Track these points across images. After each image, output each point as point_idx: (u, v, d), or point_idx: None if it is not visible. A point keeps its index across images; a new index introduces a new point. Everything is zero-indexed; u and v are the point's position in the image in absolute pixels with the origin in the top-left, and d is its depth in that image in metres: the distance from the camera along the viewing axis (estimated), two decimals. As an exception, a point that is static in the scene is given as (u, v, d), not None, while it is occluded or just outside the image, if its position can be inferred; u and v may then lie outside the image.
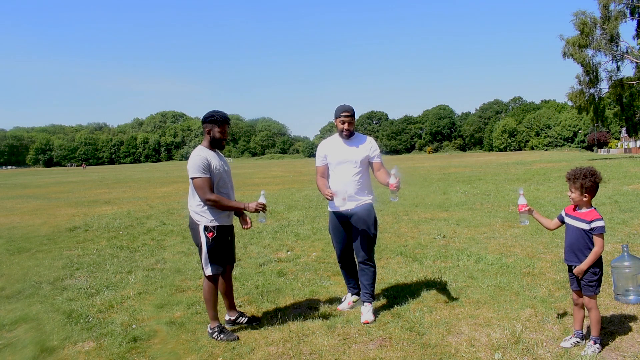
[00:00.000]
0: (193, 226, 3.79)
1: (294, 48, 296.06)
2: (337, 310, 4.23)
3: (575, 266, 3.27)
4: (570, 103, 45.16)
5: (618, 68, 34.96)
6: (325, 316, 4.07)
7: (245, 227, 4.05)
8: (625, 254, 4.13)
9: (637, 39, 34.98)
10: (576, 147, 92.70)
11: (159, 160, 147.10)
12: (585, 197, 3.23)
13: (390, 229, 8.10)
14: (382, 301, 4.43)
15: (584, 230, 3.22)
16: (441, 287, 4.70)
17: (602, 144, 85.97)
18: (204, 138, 3.87)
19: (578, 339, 3.29)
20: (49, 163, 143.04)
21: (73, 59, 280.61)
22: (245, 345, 3.55)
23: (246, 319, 4.02)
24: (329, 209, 4.28)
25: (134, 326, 4.04)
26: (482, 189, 14.52)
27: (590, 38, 33.69)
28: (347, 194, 3.98)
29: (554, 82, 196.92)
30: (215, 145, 3.85)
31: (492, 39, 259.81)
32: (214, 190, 3.73)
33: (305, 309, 4.29)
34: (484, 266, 5.38)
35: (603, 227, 3.18)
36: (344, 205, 4.00)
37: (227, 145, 4.06)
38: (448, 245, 6.66)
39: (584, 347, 3.21)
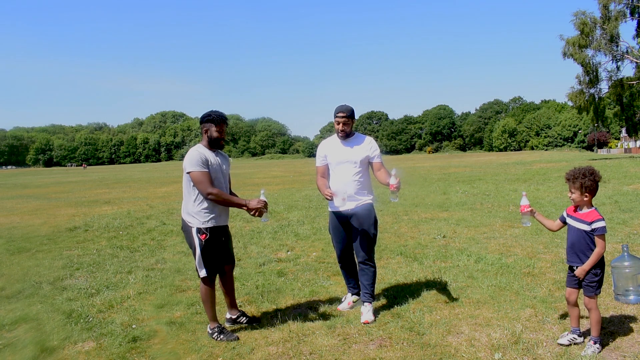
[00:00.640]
0: (186, 228, 3.78)
1: (294, 48, 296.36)
2: (337, 310, 4.23)
3: (577, 267, 3.26)
4: (570, 103, 45.18)
5: (618, 68, 35.00)
6: (325, 316, 4.07)
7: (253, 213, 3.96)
8: (625, 254, 4.13)
9: (637, 39, 35.01)
10: (576, 147, 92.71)
11: (159, 160, 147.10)
12: (586, 197, 3.23)
13: (390, 229, 8.10)
14: (382, 301, 4.43)
15: (585, 231, 3.21)
16: (441, 287, 4.70)
17: (602, 144, 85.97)
18: (202, 138, 3.88)
19: (575, 336, 3.30)
20: (49, 163, 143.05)
21: (73, 59, 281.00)
22: (245, 345, 3.55)
23: (247, 318, 4.02)
24: (329, 209, 4.28)
25: (134, 326, 4.04)
26: (482, 189, 14.51)
27: (590, 38, 33.69)
28: (347, 194, 3.98)
29: (554, 82, 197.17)
30: (214, 144, 3.84)
31: (492, 39, 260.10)
32: None
33: (305, 309, 4.29)
34: (484, 266, 5.38)
35: (604, 227, 3.17)
36: (344, 205, 4.00)
37: (226, 145, 4.06)
38: (448, 245, 6.66)
39: (584, 347, 3.21)
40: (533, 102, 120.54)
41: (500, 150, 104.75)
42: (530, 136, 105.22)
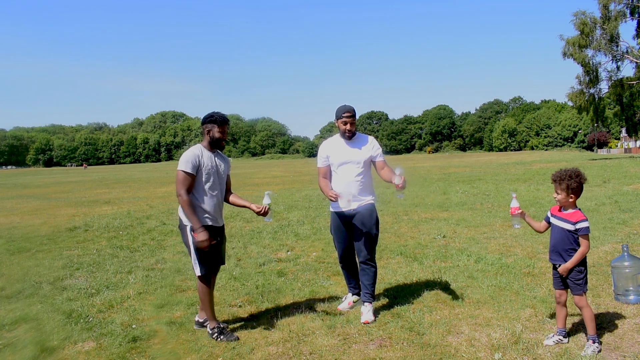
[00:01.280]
0: (181, 227, 3.80)
1: (294, 48, 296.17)
2: (337, 310, 4.23)
3: (559, 265, 3.31)
4: (570, 103, 45.18)
5: (618, 68, 35.01)
6: (325, 316, 4.07)
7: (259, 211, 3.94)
8: (625, 254, 4.13)
9: (637, 39, 35.01)
10: (576, 147, 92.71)
11: (159, 160, 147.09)
12: (571, 197, 3.28)
13: (390, 229, 8.10)
14: (382, 301, 4.42)
15: (568, 230, 3.27)
16: (441, 287, 4.70)
17: (602, 144, 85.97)
18: (203, 138, 3.89)
19: (561, 337, 3.33)
20: (49, 163, 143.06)
21: (73, 59, 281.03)
22: (245, 345, 3.55)
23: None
24: (331, 209, 4.27)
25: (134, 326, 4.04)
26: (482, 189, 14.51)
27: (590, 38, 33.69)
28: (351, 194, 3.98)
29: (554, 82, 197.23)
30: (215, 145, 3.86)
31: (492, 39, 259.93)
32: (202, 191, 3.75)
33: (305, 309, 4.29)
34: (484, 266, 5.38)
35: (588, 227, 3.25)
36: (349, 206, 4.00)
37: (227, 145, 4.07)
38: (448, 245, 6.66)
39: (583, 347, 3.21)
40: (533, 102, 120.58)
41: (500, 150, 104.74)
42: (530, 136, 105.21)
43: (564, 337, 3.34)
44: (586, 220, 3.25)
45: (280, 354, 3.40)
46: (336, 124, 4.17)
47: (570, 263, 3.25)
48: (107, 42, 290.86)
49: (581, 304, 3.27)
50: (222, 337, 3.67)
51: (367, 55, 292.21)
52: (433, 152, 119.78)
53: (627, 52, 34.51)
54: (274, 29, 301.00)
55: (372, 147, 4.17)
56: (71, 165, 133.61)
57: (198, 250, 3.68)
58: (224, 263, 4.07)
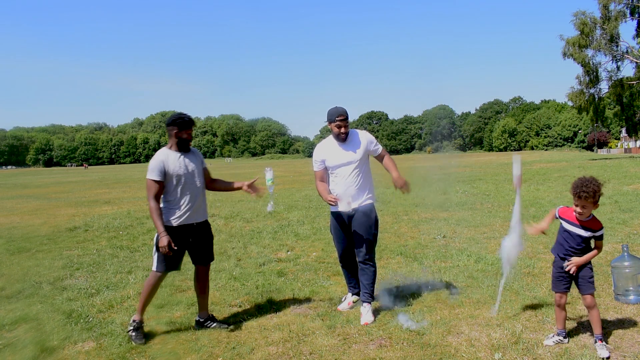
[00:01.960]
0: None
1: (294, 48, 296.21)
2: (337, 310, 4.22)
3: (567, 260, 3.30)
4: (570, 103, 45.12)
5: (618, 68, 34.95)
6: (325, 316, 4.07)
7: (252, 193, 4.11)
8: (625, 254, 4.13)
9: (637, 39, 34.99)
10: (576, 147, 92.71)
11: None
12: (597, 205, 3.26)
13: (390, 229, 8.10)
14: (382, 301, 4.42)
15: (587, 237, 3.26)
16: (441, 287, 4.70)
17: (602, 144, 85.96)
18: (169, 140, 3.87)
19: (561, 337, 3.33)
20: (49, 163, 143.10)
21: (73, 59, 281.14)
22: (245, 345, 3.55)
23: (215, 323, 3.99)
24: (331, 210, 4.26)
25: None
26: (482, 189, 14.51)
27: (590, 38, 33.67)
28: (350, 196, 3.98)
29: (554, 82, 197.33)
30: (181, 147, 3.83)
31: (492, 39, 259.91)
32: (175, 194, 3.77)
33: (305, 309, 4.29)
34: (484, 266, 5.38)
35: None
36: (349, 208, 3.99)
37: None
38: (448, 245, 6.65)
39: (587, 347, 3.21)
40: (533, 102, 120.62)
41: (500, 150, 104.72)
42: (530, 136, 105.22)
43: (564, 337, 3.33)
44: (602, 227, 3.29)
45: (280, 354, 3.40)
46: (330, 127, 4.12)
47: (584, 258, 3.26)
48: (107, 42, 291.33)
49: (592, 304, 3.25)
50: (133, 333, 3.72)
51: (367, 55, 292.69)
52: (433, 152, 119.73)
53: (627, 52, 34.49)
54: (274, 29, 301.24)
55: (366, 143, 4.14)
56: (71, 165, 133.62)
57: (159, 249, 3.72)
58: (207, 263, 4.06)
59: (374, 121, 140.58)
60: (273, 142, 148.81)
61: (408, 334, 3.60)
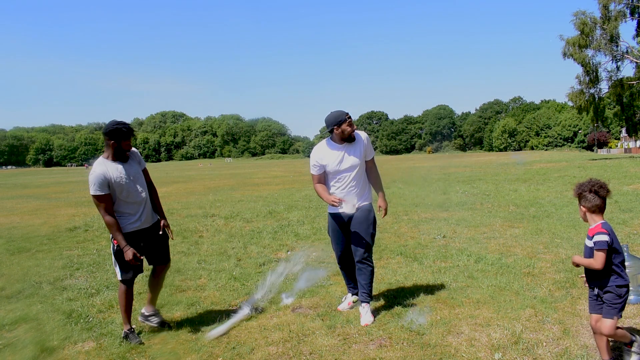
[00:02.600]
0: None
1: (294, 48, 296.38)
2: (337, 310, 4.23)
3: (595, 289, 2.98)
4: (570, 103, 45.13)
5: (618, 68, 34.92)
6: (325, 316, 4.07)
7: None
8: (625, 254, 4.12)
9: (637, 39, 34.98)
10: (576, 147, 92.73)
11: (159, 160, 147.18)
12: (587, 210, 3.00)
13: (390, 229, 8.10)
14: (382, 301, 4.42)
15: (590, 247, 2.95)
16: (441, 287, 4.70)
17: (602, 144, 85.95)
18: (105, 149, 3.76)
19: None
20: (49, 163, 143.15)
21: (73, 59, 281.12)
22: (245, 345, 3.55)
23: (158, 319, 4.02)
24: (329, 211, 4.26)
25: (134, 326, 4.03)
26: (482, 189, 14.50)
27: (590, 38, 33.65)
28: (355, 199, 3.99)
29: (554, 82, 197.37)
30: (119, 157, 3.75)
31: (492, 39, 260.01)
32: (121, 202, 3.73)
33: (305, 309, 4.29)
34: (484, 266, 5.38)
35: (605, 242, 2.88)
36: (354, 210, 3.99)
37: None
38: (448, 245, 6.65)
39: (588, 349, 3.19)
40: (533, 102, 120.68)
41: (500, 150, 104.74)
42: (530, 136, 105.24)
43: None
44: (605, 233, 2.86)
45: (280, 354, 3.40)
46: (337, 131, 3.97)
47: (579, 260, 2.97)
48: (107, 42, 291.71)
49: (602, 330, 2.90)
50: (125, 340, 3.73)
51: (367, 55, 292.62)
52: (433, 152, 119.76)
53: (627, 52, 34.48)
54: (274, 29, 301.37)
55: (367, 146, 4.15)
56: (71, 165, 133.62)
57: (116, 255, 3.75)
58: (168, 261, 4.08)
59: (374, 121, 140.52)
60: (273, 142, 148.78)
61: (408, 334, 3.60)
